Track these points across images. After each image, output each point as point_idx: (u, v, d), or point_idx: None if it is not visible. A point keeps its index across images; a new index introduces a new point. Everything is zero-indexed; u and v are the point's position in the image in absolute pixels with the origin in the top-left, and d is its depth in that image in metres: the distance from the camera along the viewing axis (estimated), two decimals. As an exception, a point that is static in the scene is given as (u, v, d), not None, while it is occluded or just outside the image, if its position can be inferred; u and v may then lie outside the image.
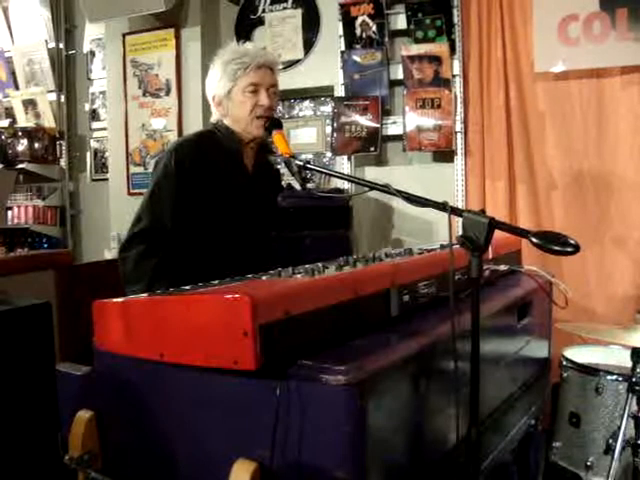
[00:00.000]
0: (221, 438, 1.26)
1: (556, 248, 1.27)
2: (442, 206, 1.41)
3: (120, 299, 1.39)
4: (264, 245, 2.35)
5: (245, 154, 2.27)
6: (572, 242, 1.27)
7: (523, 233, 1.33)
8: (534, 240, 1.28)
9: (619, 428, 2.23)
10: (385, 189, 1.59)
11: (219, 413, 1.26)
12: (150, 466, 1.41)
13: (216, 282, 1.48)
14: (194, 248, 2.15)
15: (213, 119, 2.29)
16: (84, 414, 1.49)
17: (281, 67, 4.22)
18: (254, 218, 2.29)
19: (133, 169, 4.56)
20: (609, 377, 2.45)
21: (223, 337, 1.14)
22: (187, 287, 1.46)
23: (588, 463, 2.45)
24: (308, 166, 1.94)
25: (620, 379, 2.41)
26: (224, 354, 1.14)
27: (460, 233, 1.32)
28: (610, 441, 2.31)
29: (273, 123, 2.14)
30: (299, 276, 1.39)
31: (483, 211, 1.34)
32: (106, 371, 1.48)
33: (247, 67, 2.15)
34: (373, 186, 1.65)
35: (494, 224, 1.31)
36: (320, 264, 1.47)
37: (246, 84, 2.15)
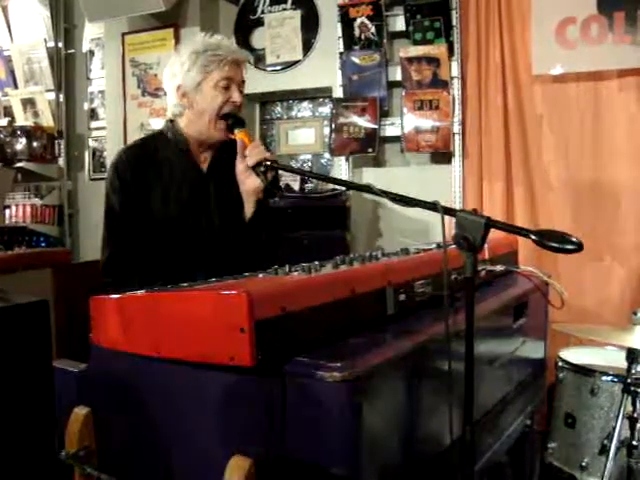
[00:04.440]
0: (217, 434, 1.26)
1: (556, 246, 1.24)
2: (433, 206, 1.40)
3: (117, 295, 1.40)
4: (235, 246, 2.16)
5: (197, 154, 2.19)
6: (573, 240, 1.23)
7: (522, 231, 1.32)
8: (534, 238, 1.26)
9: (614, 429, 2.24)
10: (368, 189, 1.58)
11: (215, 409, 1.26)
12: (146, 462, 1.41)
13: (213, 280, 1.48)
14: (159, 253, 2.10)
15: (169, 113, 2.21)
16: (80, 410, 1.49)
17: (279, 68, 4.26)
18: (220, 216, 2.17)
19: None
20: (604, 378, 2.46)
21: (220, 333, 1.14)
22: (184, 284, 1.47)
23: (583, 464, 2.47)
24: (274, 165, 1.90)
25: (615, 380, 2.43)
26: (220, 350, 1.15)
27: (455, 234, 1.32)
28: (605, 442, 2.33)
29: (235, 121, 2.08)
30: (296, 274, 1.39)
31: (476, 210, 1.34)
32: (103, 367, 1.48)
33: (222, 60, 2.07)
34: (354, 187, 1.65)
35: (490, 223, 1.30)
36: (317, 262, 1.48)
37: (220, 78, 2.07)
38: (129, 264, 2.09)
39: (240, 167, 2.05)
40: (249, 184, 2.05)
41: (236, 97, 2.09)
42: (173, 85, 2.13)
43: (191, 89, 2.09)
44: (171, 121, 2.20)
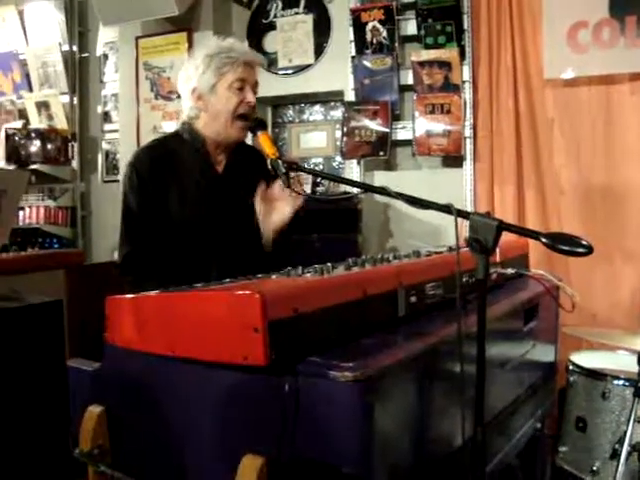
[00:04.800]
0: (229, 433, 1.28)
1: (566, 248, 1.24)
2: (447, 208, 1.41)
3: (132, 295, 1.42)
4: (251, 247, 2.18)
5: (214, 154, 2.22)
6: (584, 243, 1.24)
7: (532, 234, 1.33)
8: (544, 240, 1.27)
9: (625, 433, 2.24)
10: (383, 192, 1.59)
11: (228, 408, 1.27)
12: (158, 460, 1.43)
13: (227, 280, 1.50)
14: (177, 253, 2.13)
15: (185, 116, 2.23)
16: (94, 409, 1.51)
17: (292, 72, 4.28)
18: (235, 217, 2.20)
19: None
20: (615, 382, 2.45)
21: (234, 333, 1.16)
22: (198, 284, 1.49)
23: (594, 468, 2.45)
24: (294, 167, 1.90)
25: (627, 384, 2.42)
26: (234, 350, 1.16)
27: (468, 235, 1.33)
28: (616, 446, 2.32)
29: (258, 124, 2.09)
30: (308, 275, 1.41)
31: (489, 213, 1.35)
32: (117, 366, 1.50)
33: (235, 62, 2.10)
34: (370, 189, 1.66)
35: (503, 226, 1.31)
36: (329, 264, 1.49)
37: (234, 79, 2.10)
38: (146, 262, 2.12)
39: (276, 192, 2.08)
40: (277, 218, 2.10)
41: (250, 98, 2.12)
42: (188, 88, 2.16)
43: (206, 91, 2.12)
44: (187, 123, 2.22)
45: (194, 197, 2.16)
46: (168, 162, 2.17)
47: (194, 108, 2.18)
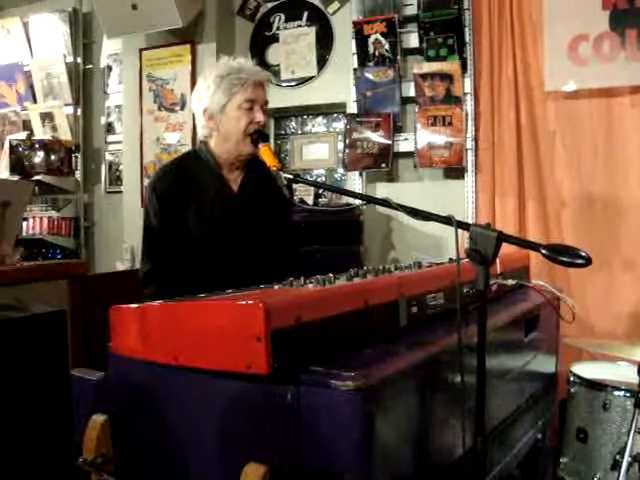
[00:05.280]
0: (232, 441, 1.29)
1: (565, 260, 1.26)
2: (447, 220, 1.43)
3: (136, 305, 1.43)
4: (275, 258, 2.28)
5: (228, 174, 2.27)
6: (582, 254, 1.26)
7: (533, 246, 1.35)
8: (544, 252, 1.29)
9: (626, 444, 2.24)
10: (385, 203, 1.61)
11: (231, 416, 1.29)
12: (162, 468, 1.44)
13: (230, 291, 1.52)
14: (194, 270, 2.18)
15: (200, 136, 2.31)
16: (98, 418, 1.52)
17: (294, 84, 4.31)
18: (250, 233, 2.26)
19: (147, 182, 4.61)
20: (616, 393, 2.46)
21: (237, 342, 1.17)
22: (202, 294, 1.50)
23: (595, 479, 2.46)
24: (297, 179, 1.94)
25: (627, 395, 2.43)
26: (237, 358, 1.18)
27: (468, 247, 1.35)
28: (617, 457, 2.32)
29: (260, 136, 2.14)
30: (311, 285, 1.42)
31: (489, 225, 1.37)
32: (121, 375, 1.51)
33: (244, 83, 2.15)
34: (371, 200, 1.67)
35: (502, 237, 1.33)
36: (331, 275, 1.50)
37: (242, 100, 2.15)
38: (166, 279, 2.19)
39: None
40: None
41: (259, 118, 2.17)
42: (200, 108, 2.22)
43: (216, 112, 2.18)
44: (204, 142, 2.29)
45: (211, 216, 2.22)
46: (186, 182, 2.23)
47: (206, 127, 2.24)
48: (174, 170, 2.28)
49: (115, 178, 5.19)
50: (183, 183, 2.22)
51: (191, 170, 2.26)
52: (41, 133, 5.28)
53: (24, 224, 5.17)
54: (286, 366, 1.18)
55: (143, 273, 2.23)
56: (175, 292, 2.05)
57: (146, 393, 1.46)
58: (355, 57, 3.97)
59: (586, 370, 2.70)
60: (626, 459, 2.23)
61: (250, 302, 1.17)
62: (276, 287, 1.46)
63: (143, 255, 2.26)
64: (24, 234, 5.15)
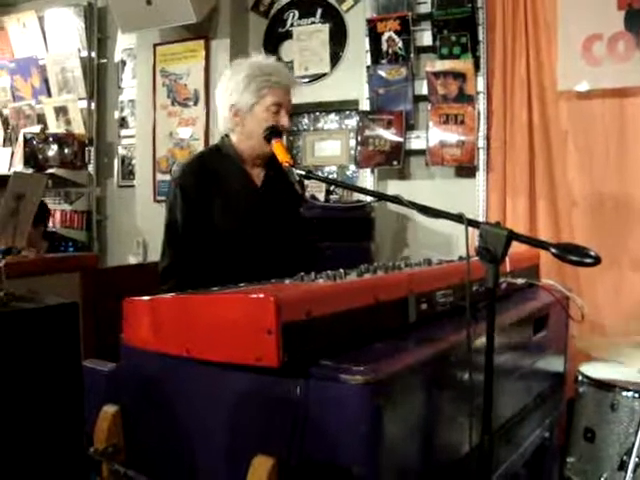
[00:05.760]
0: (242, 433, 1.31)
1: (574, 259, 1.27)
2: (458, 217, 1.44)
3: (149, 297, 1.45)
4: (289, 257, 2.30)
5: (252, 167, 2.30)
6: (592, 254, 1.27)
7: (542, 244, 1.36)
8: (553, 251, 1.30)
9: (633, 444, 2.25)
10: (396, 200, 1.62)
11: (240, 409, 1.30)
12: (171, 459, 1.46)
13: (242, 285, 1.53)
14: (216, 266, 2.20)
15: (221, 127, 2.32)
16: (109, 408, 1.54)
17: (307, 80, 4.32)
18: (271, 228, 2.29)
19: (160, 177, 4.65)
20: (624, 393, 2.46)
21: (247, 335, 1.19)
22: (214, 288, 1.52)
23: (602, 479, 2.46)
24: (309, 175, 1.93)
25: (636, 395, 2.42)
26: (248, 351, 1.19)
27: (478, 245, 1.35)
28: (624, 457, 2.32)
29: (273, 132, 2.16)
30: (321, 280, 1.44)
31: (499, 223, 1.37)
32: (132, 366, 1.53)
33: (274, 86, 2.19)
34: (383, 197, 1.68)
35: (512, 236, 1.34)
36: (342, 270, 1.52)
37: (271, 103, 2.18)
38: (186, 274, 2.19)
39: None
40: None
41: (285, 122, 2.22)
42: (226, 102, 2.24)
43: (244, 110, 2.21)
44: (226, 136, 2.31)
45: (237, 210, 2.24)
46: (211, 177, 2.24)
47: (230, 121, 2.26)
48: (199, 165, 2.30)
49: (128, 172, 5.22)
50: (208, 178, 2.24)
51: (215, 165, 2.27)
52: (55, 127, 5.32)
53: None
54: (296, 360, 1.19)
55: (163, 268, 2.24)
56: (194, 287, 2.10)
57: (157, 384, 1.48)
58: (368, 54, 3.97)
59: (595, 370, 2.70)
60: (633, 459, 2.23)
61: (261, 295, 1.18)
62: (287, 282, 1.48)
63: (164, 250, 2.26)
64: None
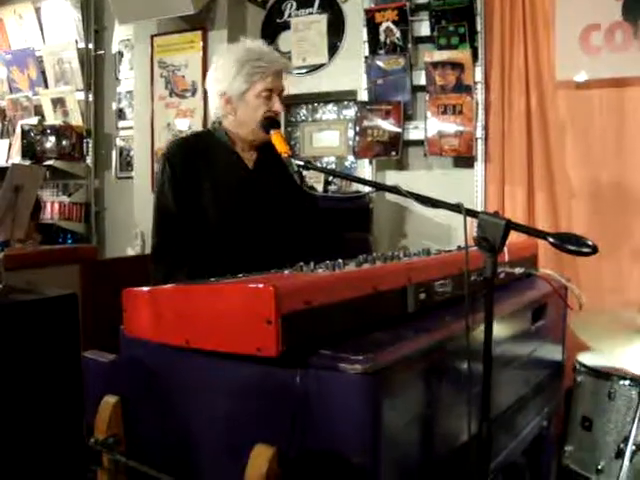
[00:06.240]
0: (241, 423, 1.32)
1: (572, 248, 1.28)
2: (456, 207, 1.44)
3: (148, 288, 1.46)
4: (286, 240, 2.29)
5: (243, 151, 2.29)
6: (589, 243, 1.27)
7: (540, 234, 1.36)
8: (551, 240, 1.30)
9: (630, 432, 2.26)
10: (394, 190, 1.63)
11: (240, 398, 1.31)
12: (171, 449, 1.47)
13: (241, 275, 1.54)
14: (206, 245, 2.19)
15: (213, 116, 2.32)
16: (110, 399, 1.55)
17: (305, 71, 4.32)
18: (264, 212, 2.27)
19: (158, 168, 4.63)
20: (622, 382, 2.47)
21: (247, 325, 1.19)
22: (213, 278, 1.52)
23: (599, 467, 2.47)
24: (308, 165, 1.92)
25: (632, 384, 2.44)
26: (247, 341, 1.20)
27: (476, 234, 1.36)
28: (621, 445, 2.34)
29: (271, 122, 2.15)
30: (320, 270, 1.44)
31: (497, 213, 1.38)
32: (132, 357, 1.54)
33: (265, 71, 2.16)
34: (381, 187, 1.68)
35: (510, 225, 1.34)
36: (341, 260, 1.52)
37: (262, 89, 2.17)
38: (178, 252, 2.18)
39: None
40: None
41: (277, 107, 2.20)
42: (217, 90, 2.23)
43: (235, 97, 2.19)
44: (218, 122, 2.30)
45: (227, 192, 2.22)
46: (201, 156, 2.23)
47: (221, 109, 2.24)
48: (189, 143, 2.30)
49: (126, 164, 5.22)
50: (198, 157, 2.23)
51: (206, 145, 2.27)
52: (52, 118, 5.31)
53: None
54: (295, 349, 1.20)
55: (154, 247, 2.23)
56: (187, 267, 2.10)
57: (157, 375, 1.49)
58: (366, 45, 3.96)
59: (592, 359, 2.71)
60: (630, 447, 2.24)
61: (261, 285, 1.19)
62: (286, 272, 1.48)
63: (154, 228, 2.24)
64: (35, 219, 5.19)
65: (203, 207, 2.20)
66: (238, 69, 2.16)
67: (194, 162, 2.22)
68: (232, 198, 2.23)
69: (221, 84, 2.21)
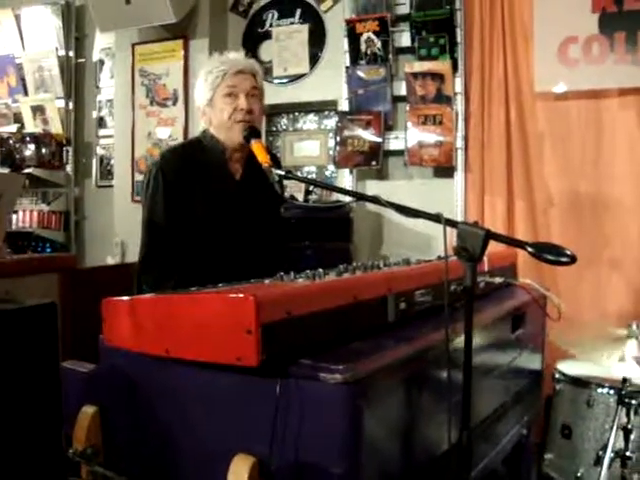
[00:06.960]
0: (222, 433, 1.31)
1: (551, 258, 1.29)
2: (436, 217, 1.45)
3: (128, 297, 1.45)
4: (266, 251, 2.34)
5: (231, 161, 2.31)
6: (567, 252, 1.29)
7: (519, 244, 1.38)
8: (530, 250, 1.32)
9: (608, 440, 2.28)
10: (375, 200, 1.64)
11: (220, 408, 1.31)
12: (151, 459, 1.46)
13: (221, 285, 1.53)
14: (193, 255, 2.20)
15: (201, 129, 2.37)
16: (88, 409, 1.54)
17: (286, 81, 4.32)
18: (248, 224, 2.30)
19: (138, 177, 4.61)
20: (600, 390, 2.50)
21: (227, 334, 1.19)
22: (193, 288, 1.52)
23: (578, 474, 2.50)
24: (289, 175, 1.92)
25: (611, 392, 2.46)
26: (227, 351, 1.20)
27: (456, 244, 1.37)
28: (600, 453, 2.36)
29: (251, 132, 2.16)
30: (300, 280, 1.44)
31: (477, 223, 1.39)
32: (112, 367, 1.53)
33: (225, 74, 2.20)
34: (361, 197, 1.69)
35: (490, 235, 1.35)
36: (321, 270, 1.52)
37: (225, 89, 2.20)
38: (166, 262, 2.18)
39: None
40: None
41: (242, 104, 2.20)
42: (197, 107, 2.32)
43: (206, 106, 2.26)
44: (207, 130, 2.32)
45: (216, 202, 2.24)
46: (192, 166, 2.25)
47: (203, 122, 2.31)
48: (180, 153, 2.32)
49: (106, 172, 5.17)
50: (190, 166, 2.24)
51: (197, 155, 2.28)
52: (32, 126, 5.26)
53: (14, 217, 5.15)
54: (275, 359, 1.20)
55: (142, 257, 2.23)
56: (175, 277, 2.10)
57: (136, 385, 1.48)
58: (347, 55, 3.98)
59: (571, 367, 2.73)
60: (608, 455, 2.27)
61: (241, 295, 1.19)
62: (267, 282, 1.48)
63: (143, 238, 2.24)
64: (14, 227, 5.14)
65: (194, 215, 2.21)
66: (205, 79, 2.24)
67: (186, 171, 2.23)
68: (220, 208, 2.25)
69: (198, 100, 2.29)
